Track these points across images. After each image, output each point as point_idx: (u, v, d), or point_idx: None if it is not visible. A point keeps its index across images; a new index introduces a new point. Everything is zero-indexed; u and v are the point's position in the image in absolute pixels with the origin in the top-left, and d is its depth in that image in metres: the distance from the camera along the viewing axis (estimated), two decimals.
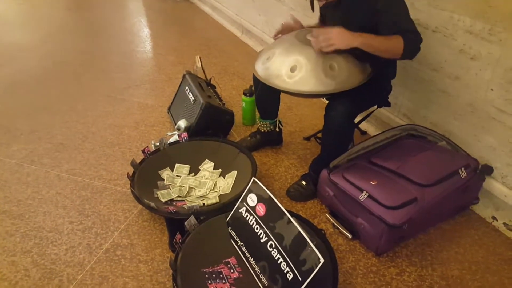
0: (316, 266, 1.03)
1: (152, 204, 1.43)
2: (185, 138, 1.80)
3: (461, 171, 1.47)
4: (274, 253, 1.15)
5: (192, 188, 1.66)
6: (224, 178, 1.70)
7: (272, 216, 1.20)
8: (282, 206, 1.18)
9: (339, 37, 1.32)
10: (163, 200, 1.57)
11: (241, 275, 1.21)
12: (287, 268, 1.10)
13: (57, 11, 4.26)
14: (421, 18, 1.64)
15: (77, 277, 1.33)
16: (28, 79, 2.73)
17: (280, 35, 1.62)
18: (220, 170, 1.75)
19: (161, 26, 3.99)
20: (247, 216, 1.27)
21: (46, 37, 3.52)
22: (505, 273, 1.36)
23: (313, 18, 1.78)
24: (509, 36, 1.35)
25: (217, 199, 1.57)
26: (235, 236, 1.31)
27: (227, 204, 1.44)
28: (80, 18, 4.09)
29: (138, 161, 1.68)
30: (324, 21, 1.69)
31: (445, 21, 1.56)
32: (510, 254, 1.43)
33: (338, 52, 1.36)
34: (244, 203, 1.30)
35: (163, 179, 1.68)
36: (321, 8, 1.67)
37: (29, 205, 1.64)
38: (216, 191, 1.64)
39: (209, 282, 1.18)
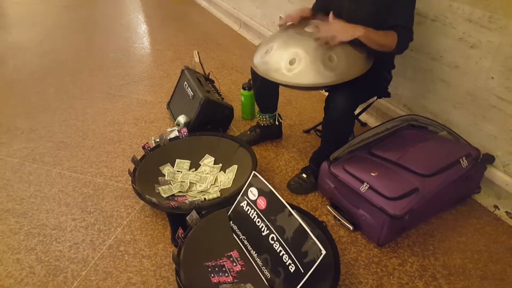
0: (318, 258, 1.03)
1: (154, 200, 1.44)
2: (185, 133, 1.80)
3: (462, 160, 1.46)
4: (275, 246, 1.16)
5: (193, 183, 1.66)
6: (224, 172, 1.71)
7: (273, 209, 1.20)
8: (283, 199, 1.18)
9: (341, 30, 1.35)
10: (164, 195, 1.58)
11: (243, 268, 1.22)
12: (289, 260, 1.11)
13: (54, 9, 4.24)
14: (420, 7, 1.63)
15: (81, 273, 1.34)
16: (26, 77, 2.73)
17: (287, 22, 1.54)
18: (220, 164, 1.75)
19: (158, 21, 3.97)
20: (248, 209, 1.28)
21: (43, 35, 3.51)
22: (507, 261, 1.36)
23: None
24: (509, 23, 1.34)
25: (218, 194, 1.57)
26: (236, 230, 1.31)
27: (228, 198, 1.45)
28: (78, 15, 4.07)
29: (138, 157, 1.68)
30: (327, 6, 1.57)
31: (444, 9, 1.55)
32: None
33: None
34: (245, 197, 1.30)
35: (164, 175, 1.68)
36: None
37: (32, 203, 1.64)
38: (217, 186, 1.65)
39: (212, 275, 1.19)
